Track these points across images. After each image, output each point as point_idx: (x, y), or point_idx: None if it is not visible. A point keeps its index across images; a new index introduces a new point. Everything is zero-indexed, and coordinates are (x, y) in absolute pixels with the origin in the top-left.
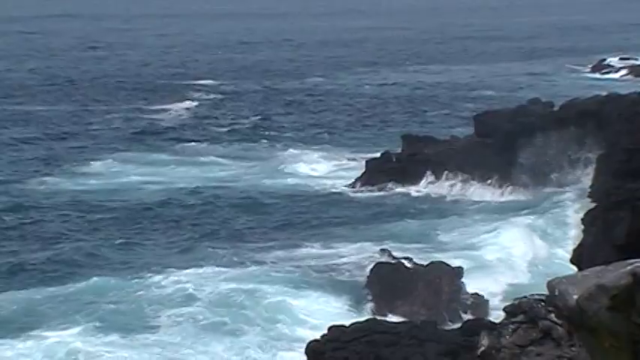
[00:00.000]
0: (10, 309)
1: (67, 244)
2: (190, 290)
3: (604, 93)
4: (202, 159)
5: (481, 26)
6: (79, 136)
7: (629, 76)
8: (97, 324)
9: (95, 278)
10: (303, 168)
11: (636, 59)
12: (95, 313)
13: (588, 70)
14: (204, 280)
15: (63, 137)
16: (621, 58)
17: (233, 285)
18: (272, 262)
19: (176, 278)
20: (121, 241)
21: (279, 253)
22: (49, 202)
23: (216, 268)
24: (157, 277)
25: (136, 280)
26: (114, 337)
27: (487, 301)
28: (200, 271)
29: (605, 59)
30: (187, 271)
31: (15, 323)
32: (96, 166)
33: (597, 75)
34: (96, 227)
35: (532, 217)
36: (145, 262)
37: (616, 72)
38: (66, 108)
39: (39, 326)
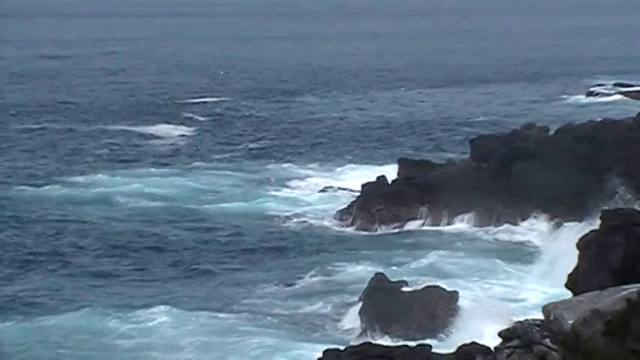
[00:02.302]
0: None
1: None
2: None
3: (599, 118)
4: (193, 179)
5: (473, 51)
6: (67, 154)
7: (625, 98)
8: None
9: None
10: (299, 191)
11: (630, 86)
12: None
13: (583, 95)
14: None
15: (52, 153)
16: (615, 84)
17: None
18: (270, 288)
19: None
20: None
21: (278, 276)
22: (28, 209)
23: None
24: (130, 316)
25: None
26: None
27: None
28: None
29: (600, 84)
30: (168, 309)
31: None
32: (82, 179)
33: (592, 99)
34: (65, 252)
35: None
36: (116, 297)
37: (610, 96)
38: (55, 127)
39: None
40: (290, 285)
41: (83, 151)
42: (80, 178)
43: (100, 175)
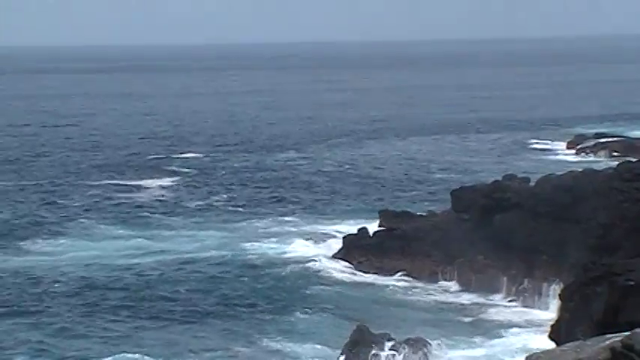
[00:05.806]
0: None
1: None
2: None
3: (579, 169)
4: (174, 233)
5: (453, 101)
6: (48, 210)
7: (605, 154)
8: None
9: None
10: (280, 243)
11: (611, 136)
12: None
13: (563, 147)
14: None
15: (33, 210)
16: (596, 134)
17: None
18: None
19: None
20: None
21: (259, 327)
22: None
23: None
24: None
25: None
26: None
27: None
28: None
29: (580, 134)
30: None
31: None
32: (60, 240)
33: (573, 155)
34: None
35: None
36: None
37: (593, 152)
38: (39, 182)
39: None
40: (272, 338)
41: (67, 204)
42: (61, 229)
43: (81, 229)
